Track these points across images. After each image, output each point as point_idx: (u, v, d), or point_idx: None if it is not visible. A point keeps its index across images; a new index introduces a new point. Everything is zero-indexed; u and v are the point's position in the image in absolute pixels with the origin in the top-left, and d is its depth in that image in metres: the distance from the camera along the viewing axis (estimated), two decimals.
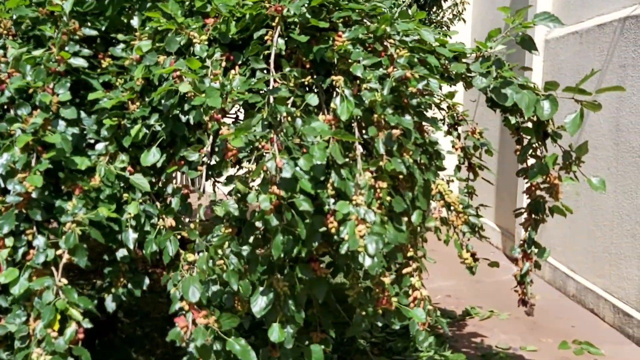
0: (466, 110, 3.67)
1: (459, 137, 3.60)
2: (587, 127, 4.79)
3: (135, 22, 2.79)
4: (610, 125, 4.49)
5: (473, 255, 3.37)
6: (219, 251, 2.36)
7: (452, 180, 3.36)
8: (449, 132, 3.62)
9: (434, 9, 6.44)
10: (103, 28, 2.76)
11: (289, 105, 2.48)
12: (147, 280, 2.68)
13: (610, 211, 4.53)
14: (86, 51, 2.59)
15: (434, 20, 6.55)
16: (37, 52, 2.48)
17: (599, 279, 4.67)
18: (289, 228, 2.29)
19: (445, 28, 6.77)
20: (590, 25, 4.80)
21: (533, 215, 2.94)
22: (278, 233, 2.20)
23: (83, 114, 2.59)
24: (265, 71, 2.52)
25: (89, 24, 2.71)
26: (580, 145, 2.70)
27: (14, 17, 2.65)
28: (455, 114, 3.66)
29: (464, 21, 6.93)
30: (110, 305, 2.57)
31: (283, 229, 2.22)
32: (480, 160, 3.66)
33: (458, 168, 3.55)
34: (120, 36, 2.80)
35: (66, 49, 2.52)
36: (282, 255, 2.35)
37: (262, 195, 2.18)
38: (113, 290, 2.59)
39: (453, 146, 3.59)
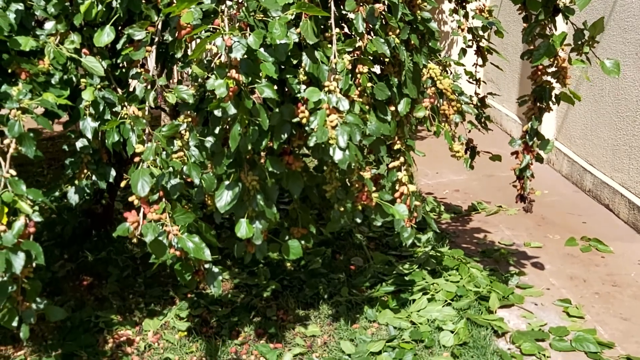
0: None
1: (466, 16, 3.23)
2: (618, 7, 4.29)
3: None
4: None
5: (473, 148, 3.12)
6: (178, 142, 2.17)
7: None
8: (454, 11, 3.25)
9: None
10: None
11: None
12: (113, 172, 2.53)
13: (634, 101, 4.15)
14: None
15: None
16: None
17: (616, 173, 4.39)
18: (251, 119, 2.06)
19: None
20: None
21: (537, 103, 2.64)
22: (236, 123, 1.98)
23: None
24: None
25: None
26: (595, 23, 2.34)
27: None
28: None
29: None
30: (73, 197, 2.44)
31: (242, 118, 2.00)
32: (490, 43, 3.31)
33: (463, 51, 3.22)
34: None
35: None
36: (248, 147, 2.15)
37: (217, 80, 1.93)
38: (76, 182, 2.45)
39: (459, 26, 3.24)
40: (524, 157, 2.74)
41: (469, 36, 3.24)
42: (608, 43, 4.40)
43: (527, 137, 2.72)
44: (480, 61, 3.31)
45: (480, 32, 3.22)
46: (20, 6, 2.23)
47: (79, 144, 2.39)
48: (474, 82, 3.32)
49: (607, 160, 4.54)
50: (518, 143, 2.77)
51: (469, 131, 3.07)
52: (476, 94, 3.30)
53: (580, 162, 4.90)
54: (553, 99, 2.59)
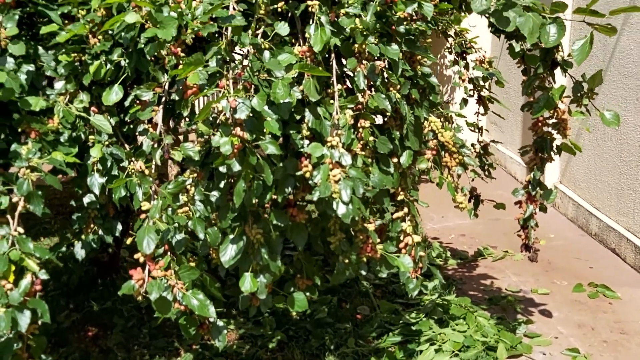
0: (475, 37, 3.35)
1: (466, 67, 3.29)
2: (617, 53, 4.37)
3: None
4: None
5: (477, 196, 3.13)
6: (184, 197, 2.20)
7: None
8: (455, 62, 3.31)
9: None
10: None
11: (258, 36, 2.24)
12: (119, 226, 2.55)
13: (637, 146, 4.18)
14: None
15: None
16: None
17: (622, 217, 4.39)
18: (256, 174, 2.09)
19: None
20: None
21: (539, 154, 2.67)
22: (240, 179, 2.01)
23: (41, 50, 2.39)
24: None
25: None
26: (593, 75, 2.38)
27: None
28: (463, 42, 3.34)
29: None
30: (79, 252, 2.46)
31: (247, 174, 2.03)
32: (490, 92, 3.37)
33: (464, 102, 3.27)
34: None
35: None
36: (253, 201, 2.18)
37: (222, 137, 1.97)
38: (83, 237, 2.47)
39: (460, 77, 3.30)
40: (528, 207, 2.75)
41: (470, 86, 3.30)
42: (609, 88, 4.45)
43: (530, 187, 2.74)
44: (482, 110, 3.35)
45: (481, 82, 3.27)
46: (31, 67, 2.30)
47: (87, 199, 2.42)
48: (477, 130, 3.36)
49: (612, 204, 4.54)
50: (521, 193, 2.79)
51: (472, 179, 3.09)
52: (479, 141, 3.33)
53: (586, 205, 4.90)
54: (554, 149, 2.61)
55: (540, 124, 2.57)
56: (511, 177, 6.59)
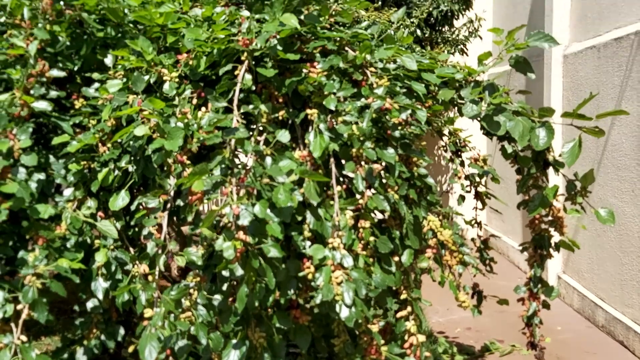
0: (469, 136, 3.47)
1: (462, 164, 3.39)
2: (610, 147, 4.49)
3: (109, 60, 2.70)
4: (633, 144, 4.19)
5: (479, 292, 3.13)
6: (186, 302, 2.21)
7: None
8: (450, 160, 3.42)
9: (446, 28, 6.22)
10: (76, 68, 2.68)
11: (261, 143, 2.34)
12: (122, 331, 2.54)
13: (636, 237, 4.21)
14: (54, 93, 2.50)
15: (449, 39, 6.35)
16: (1, 97, 2.40)
17: (627, 309, 4.34)
18: (258, 278, 2.12)
19: (462, 46, 6.55)
20: (607, 39, 4.53)
21: (538, 251, 2.70)
22: (243, 284, 2.04)
23: (52, 159, 2.49)
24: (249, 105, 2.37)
25: (60, 64, 2.63)
26: (586, 174, 2.46)
27: None
28: (457, 141, 3.46)
29: (480, 38, 6.70)
30: (81, 359, 2.44)
31: (250, 278, 2.06)
32: (487, 189, 3.44)
33: (462, 198, 3.34)
34: (95, 75, 2.71)
35: (32, 92, 2.44)
36: (255, 304, 2.19)
37: (225, 242, 2.02)
38: (85, 342, 2.46)
39: (456, 174, 3.38)
40: (530, 304, 2.74)
41: (467, 182, 3.38)
42: (604, 180, 4.54)
43: (532, 284, 2.75)
44: (479, 204, 3.42)
45: (477, 179, 3.36)
46: (42, 176, 2.38)
47: (90, 304, 2.43)
48: (476, 225, 3.41)
49: (616, 295, 4.50)
50: (523, 290, 2.79)
51: (474, 275, 3.10)
52: (479, 236, 3.37)
53: (591, 296, 4.85)
54: (553, 246, 2.65)
55: (537, 221, 2.62)
56: (514, 266, 6.56)
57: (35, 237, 2.29)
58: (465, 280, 2.84)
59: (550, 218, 2.56)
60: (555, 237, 2.71)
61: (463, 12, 6.22)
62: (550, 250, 2.65)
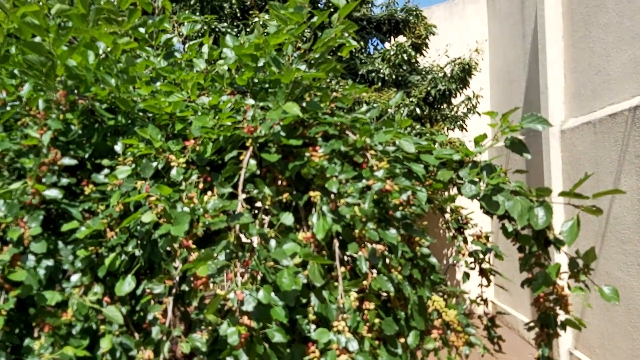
0: (471, 213, 3.51)
1: (465, 241, 3.41)
2: (612, 220, 4.52)
3: (118, 147, 2.79)
4: (635, 217, 4.22)
5: None
6: None
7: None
8: (454, 237, 3.44)
9: (444, 105, 6.41)
10: (87, 155, 2.77)
11: (265, 226, 2.39)
12: None
13: None
14: (65, 180, 2.58)
15: (448, 116, 6.52)
16: (14, 186, 2.48)
17: None
18: None
19: (461, 122, 6.72)
20: (602, 115, 4.65)
21: (545, 329, 2.68)
22: None
23: (61, 244, 2.54)
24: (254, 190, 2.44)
25: (72, 152, 2.72)
26: (587, 252, 2.48)
27: None
28: (459, 218, 3.50)
29: (479, 114, 6.88)
30: None
31: None
32: (491, 265, 3.45)
33: (467, 275, 3.34)
34: (105, 161, 2.80)
35: (43, 180, 2.51)
36: None
37: (230, 327, 2.03)
38: None
39: (459, 251, 3.40)
40: None
41: (471, 259, 3.39)
42: (609, 253, 4.54)
43: None
44: (484, 281, 3.41)
45: (481, 255, 3.37)
46: (50, 262, 2.42)
47: None
48: (482, 302, 3.39)
49: None
50: None
51: (482, 355, 3.05)
52: (485, 314, 3.34)
53: None
54: (559, 325, 2.63)
55: (542, 299, 2.61)
56: (525, 341, 6.44)
57: (42, 324, 2.30)
58: (474, 359, 2.80)
59: (554, 296, 2.55)
60: (562, 315, 2.69)
61: (460, 91, 6.42)
62: (557, 329, 2.63)
